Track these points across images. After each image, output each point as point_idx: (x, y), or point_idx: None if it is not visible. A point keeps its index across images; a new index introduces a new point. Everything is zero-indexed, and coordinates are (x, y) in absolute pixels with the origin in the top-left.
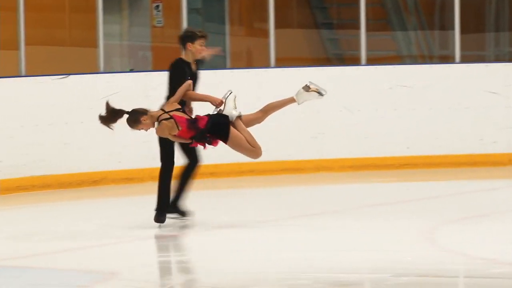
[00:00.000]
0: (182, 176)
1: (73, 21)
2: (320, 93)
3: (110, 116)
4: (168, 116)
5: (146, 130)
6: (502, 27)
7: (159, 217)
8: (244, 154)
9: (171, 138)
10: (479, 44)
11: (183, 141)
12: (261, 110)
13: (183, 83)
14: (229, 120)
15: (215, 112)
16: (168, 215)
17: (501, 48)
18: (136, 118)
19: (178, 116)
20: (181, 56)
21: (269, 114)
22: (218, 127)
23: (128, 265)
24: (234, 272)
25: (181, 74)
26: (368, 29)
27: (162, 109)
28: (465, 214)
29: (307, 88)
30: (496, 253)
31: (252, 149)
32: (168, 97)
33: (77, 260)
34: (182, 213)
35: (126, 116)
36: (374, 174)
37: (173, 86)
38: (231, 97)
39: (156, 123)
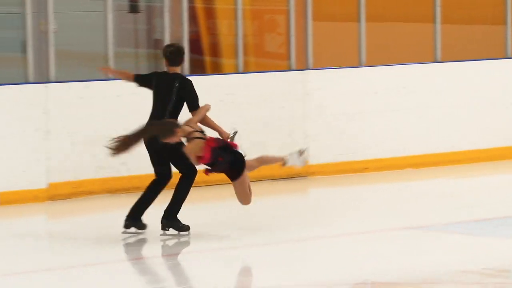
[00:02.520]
0: (152, 189)
1: None
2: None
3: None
4: (202, 137)
5: (171, 143)
6: None
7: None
8: (240, 195)
9: (191, 157)
10: None
11: (196, 164)
12: (256, 160)
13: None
14: (244, 159)
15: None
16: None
17: None
18: (171, 128)
19: (210, 141)
20: None
21: (261, 166)
22: (237, 165)
23: None
24: None
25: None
26: None
27: (190, 126)
28: None
29: (301, 153)
30: None
31: (249, 194)
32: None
33: None
34: (142, 226)
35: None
36: None
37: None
38: (236, 137)
39: (183, 139)
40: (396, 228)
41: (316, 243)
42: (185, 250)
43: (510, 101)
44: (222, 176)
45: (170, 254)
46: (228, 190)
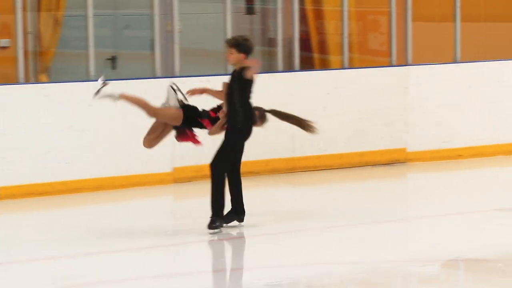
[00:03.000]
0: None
1: None
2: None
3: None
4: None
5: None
6: None
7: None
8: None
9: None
10: None
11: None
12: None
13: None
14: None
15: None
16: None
17: None
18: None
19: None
20: None
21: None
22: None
23: None
24: None
25: None
26: None
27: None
28: None
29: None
30: None
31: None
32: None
33: None
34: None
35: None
36: None
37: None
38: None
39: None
40: (490, 210)
41: (415, 223)
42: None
43: None
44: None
45: (291, 231)
46: (335, 175)
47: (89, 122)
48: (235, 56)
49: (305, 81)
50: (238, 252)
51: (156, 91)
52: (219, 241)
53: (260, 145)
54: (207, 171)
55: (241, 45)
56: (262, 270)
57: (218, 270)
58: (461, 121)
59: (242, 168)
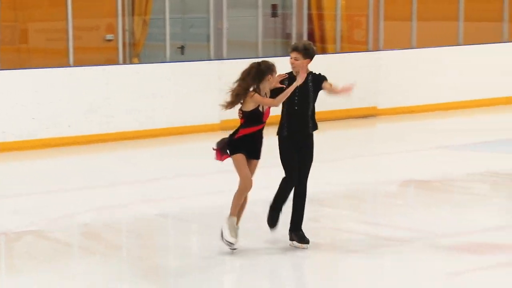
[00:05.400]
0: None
1: None
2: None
3: None
4: None
5: None
6: None
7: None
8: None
9: None
10: None
11: None
12: None
13: None
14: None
15: None
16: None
17: None
18: None
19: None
20: None
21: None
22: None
23: None
24: None
25: None
26: None
27: None
28: None
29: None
30: None
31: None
32: None
33: None
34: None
35: None
36: None
37: None
38: None
39: None
40: (434, 148)
41: (381, 157)
42: None
43: None
44: None
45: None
46: (325, 125)
47: (162, 88)
48: (302, 62)
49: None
50: None
51: (210, 70)
52: None
53: None
54: None
55: (308, 50)
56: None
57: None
58: (415, 87)
59: None
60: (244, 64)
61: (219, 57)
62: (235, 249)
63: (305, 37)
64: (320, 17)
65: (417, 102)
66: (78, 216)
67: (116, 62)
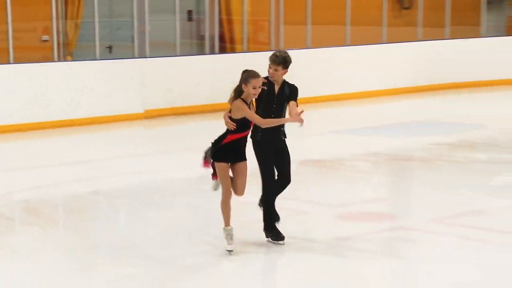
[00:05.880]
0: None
1: None
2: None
3: None
4: None
5: None
6: None
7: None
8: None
9: None
10: None
11: None
12: None
13: None
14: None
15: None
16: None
17: None
18: None
19: None
20: None
21: None
22: None
23: None
24: None
25: None
26: None
27: None
28: None
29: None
30: None
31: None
32: None
33: None
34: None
35: None
36: None
37: None
38: None
39: None
40: (326, 133)
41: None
42: None
43: None
44: None
45: None
46: None
47: (92, 82)
48: (281, 72)
49: (221, 59)
50: None
51: (135, 67)
52: None
53: None
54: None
55: (287, 62)
56: None
57: None
58: (310, 81)
59: None
60: (164, 61)
61: (143, 56)
62: (231, 250)
63: (216, 38)
64: (230, 21)
65: (312, 94)
66: (17, 193)
67: (51, 60)
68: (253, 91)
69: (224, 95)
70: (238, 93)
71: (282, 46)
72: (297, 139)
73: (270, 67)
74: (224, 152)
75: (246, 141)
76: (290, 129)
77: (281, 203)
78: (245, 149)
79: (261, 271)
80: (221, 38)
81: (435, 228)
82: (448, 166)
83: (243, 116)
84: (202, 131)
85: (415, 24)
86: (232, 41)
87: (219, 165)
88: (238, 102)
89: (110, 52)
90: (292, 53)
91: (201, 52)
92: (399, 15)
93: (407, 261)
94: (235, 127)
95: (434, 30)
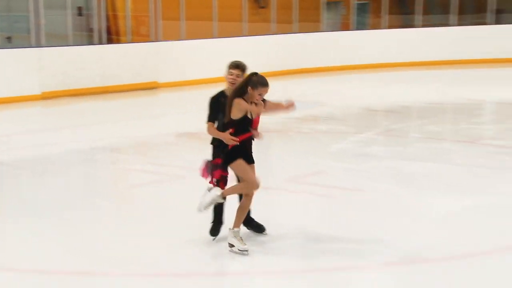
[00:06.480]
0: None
1: None
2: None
3: None
4: None
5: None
6: None
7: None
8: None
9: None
10: None
11: None
12: None
13: None
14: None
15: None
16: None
17: None
18: None
19: None
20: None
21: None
22: None
23: None
24: None
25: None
26: None
27: None
28: None
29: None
30: None
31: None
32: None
33: None
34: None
35: None
36: None
37: None
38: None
39: None
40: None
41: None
42: None
43: None
44: None
45: None
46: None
47: None
48: (240, 78)
49: (108, 49)
50: None
51: (32, 55)
52: None
53: None
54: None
55: (245, 67)
56: None
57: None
58: (186, 67)
59: None
60: (58, 51)
61: (39, 45)
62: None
63: (103, 31)
64: (115, 16)
65: (188, 78)
66: None
67: None
68: (257, 97)
69: (111, 79)
70: (240, 91)
71: (160, 37)
72: (174, 115)
73: (231, 74)
74: (234, 152)
75: (251, 144)
76: None
77: (153, 168)
78: (251, 151)
79: None
80: (108, 31)
81: (289, 186)
82: (297, 136)
83: (243, 115)
84: (93, 111)
85: (269, 21)
86: (117, 33)
87: (236, 164)
88: (241, 100)
89: (9, 42)
90: (168, 44)
91: (91, 43)
92: (257, 13)
93: (264, 215)
94: (238, 142)
95: (285, 26)
